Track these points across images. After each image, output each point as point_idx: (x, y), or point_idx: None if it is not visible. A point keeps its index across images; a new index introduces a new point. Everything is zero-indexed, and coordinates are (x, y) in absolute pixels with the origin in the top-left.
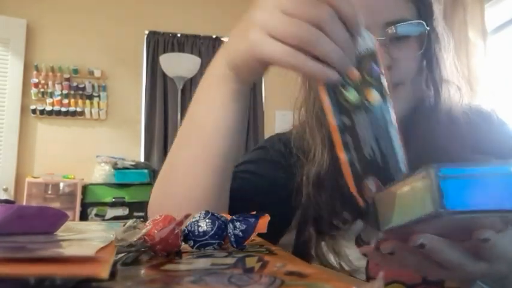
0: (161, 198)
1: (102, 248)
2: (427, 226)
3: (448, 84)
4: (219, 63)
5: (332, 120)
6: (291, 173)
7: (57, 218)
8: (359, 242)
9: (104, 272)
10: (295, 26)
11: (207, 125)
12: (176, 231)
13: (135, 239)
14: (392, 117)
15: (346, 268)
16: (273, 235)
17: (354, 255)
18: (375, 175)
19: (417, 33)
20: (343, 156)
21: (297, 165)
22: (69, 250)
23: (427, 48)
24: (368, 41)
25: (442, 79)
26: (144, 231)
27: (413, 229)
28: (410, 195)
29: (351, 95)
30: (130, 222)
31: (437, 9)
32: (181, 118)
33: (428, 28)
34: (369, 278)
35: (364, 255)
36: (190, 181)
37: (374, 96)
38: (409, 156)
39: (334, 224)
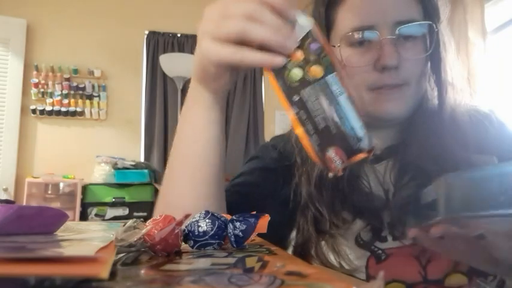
0: (162, 208)
1: (102, 248)
2: (496, 222)
3: (452, 86)
4: (192, 79)
5: (284, 100)
6: (287, 177)
7: (57, 218)
8: (359, 241)
9: (104, 272)
10: (231, 24)
11: (188, 136)
12: (176, 231)
13: (135, 239)
14: (342, 87)
15: (346, 267)
16: (278, 240)
17: (353, 255)
18: (334, 145)
19: (424, 34)
20: (300, 131)
21: (293, 166)
22: (69, 250)
23: (433, 50)
24: (305, 22)
25: (446, 81)
26: (144, 231)
27: (478, 221)
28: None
29: (295, 75)
30: (130, 222)
31: (444, 12)
32: None
33: (436, 30)
34: (369, 277)
35: (413, 238)
36: (181, 191)
37: (317, 71)
38: (413, 155)
39: (334, 223)
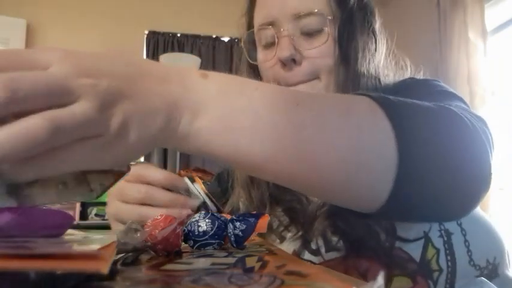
0: None
1: (103, 247)
2: None
3: (368, 79)
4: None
5: None
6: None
7: (63, 220)
8: (295, 252)
9: (104, 268)
10: (129, 209)
11: None
12: (177, 231)
13: (139, 243)
14: None
15: None
16: None
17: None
18: None
19: (327, 25)
20: None
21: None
22: (70, 247)
23: (340, 41)
24: (194, 188)
25: (358, 74)
26: (149, 231)
27: None
28: None
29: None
30: (131, 223)
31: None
32: None
33: (329, 18)
34: None
35: None
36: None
37: None
38: None
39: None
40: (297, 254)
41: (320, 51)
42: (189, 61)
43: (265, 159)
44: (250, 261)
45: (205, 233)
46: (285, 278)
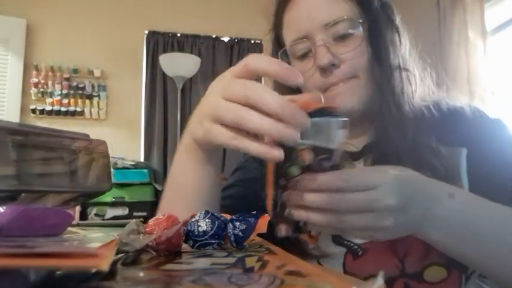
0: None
1: (103, 246)
2: None
3: (400, 71)
4: (186, 136)
5: (271, 180)
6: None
7: (62, 219)
8: (335, 237)
9: (104, 265)
10: (229, 109)
11: (183, 186)
12: (180, 231)
13: (143, 244)
14: None
15: (325, 264)
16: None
17: (331, 251)
18: (285, 224)
19: (357, 28)
20: (269, 204)
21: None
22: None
23: (371, 40)
24: (332, 137)
25: (392, 68)
26: (153, 236)
27: None
28: None
29: (292, 172)
30: (132, 223)
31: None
32: (181, 118)
33: (360, 21)
34: (346, 273)
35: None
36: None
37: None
38: (387, 150)
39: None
40: (339, 238)
41: (355, 53)
42: (189, 61)
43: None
44: (250, 261)
45: (205, 233)
46: (285, 278)
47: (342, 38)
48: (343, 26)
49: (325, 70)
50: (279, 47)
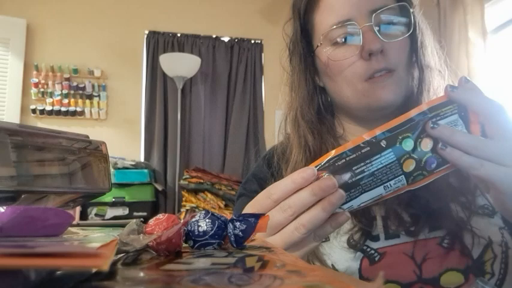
0: None
1: (103, 245)
2: None
3: (431, 70)
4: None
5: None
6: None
7: (63, 219)
8: (351, 242)
9: (105, 265)
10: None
11: None
12: (180, 231)
13: (144, 244)
14: None
15: (341, 269)
16: None
17: (347, 256)
18: None
19: (400, 18)
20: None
21: (279, 173)
22: (71, 245)
23: (412, 35)
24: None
25: (426, 65)
26: (153, 236)
27: None
28: None
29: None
30: (132, 223)
31: None
32: (181, 118)
33: (412, 10)
34: (362, 279)
35: None
36: None
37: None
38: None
39: None
40: (355, 243)
41: (399, 43)
42: (189, 61)
43: None
44: (250, 261)
45: (205, 233)
46: (285, 278)
47: (385, 24)
48: (387, 14)
49: (370, 56)
50: (301, 33)
